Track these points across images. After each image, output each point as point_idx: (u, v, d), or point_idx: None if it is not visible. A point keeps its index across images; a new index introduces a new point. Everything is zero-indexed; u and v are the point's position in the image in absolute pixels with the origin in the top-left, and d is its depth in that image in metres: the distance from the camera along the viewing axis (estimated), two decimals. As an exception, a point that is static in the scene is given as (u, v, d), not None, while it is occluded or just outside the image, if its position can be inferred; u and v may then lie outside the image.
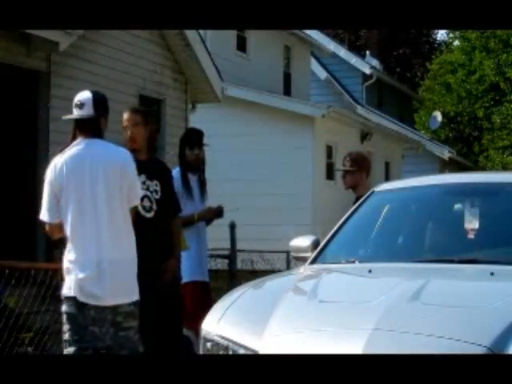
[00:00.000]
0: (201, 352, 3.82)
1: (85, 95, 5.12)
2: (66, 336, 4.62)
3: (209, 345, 3.74)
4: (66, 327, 4.63)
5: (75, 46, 10.14)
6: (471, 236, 4.72)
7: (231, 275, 11.49)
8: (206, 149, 6.98)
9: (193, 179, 6.75)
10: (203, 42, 13.24)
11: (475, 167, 27.26)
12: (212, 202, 7.02)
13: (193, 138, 6.84)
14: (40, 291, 8.22)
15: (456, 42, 31.21)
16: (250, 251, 15.03)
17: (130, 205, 4.91)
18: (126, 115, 5.95)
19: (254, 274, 10.73)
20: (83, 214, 4.77)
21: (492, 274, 4.04)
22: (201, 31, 13.34)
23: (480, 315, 3.47)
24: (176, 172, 6.64)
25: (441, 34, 56.35)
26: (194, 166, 6.76)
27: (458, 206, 5.06)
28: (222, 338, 3.67)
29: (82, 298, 4.60)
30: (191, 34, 12.61)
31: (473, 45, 28.54)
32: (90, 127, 5.01)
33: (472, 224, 4.72)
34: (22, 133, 10.07)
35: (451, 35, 32.11)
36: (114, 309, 4.65)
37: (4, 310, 7.33)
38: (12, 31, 8.94)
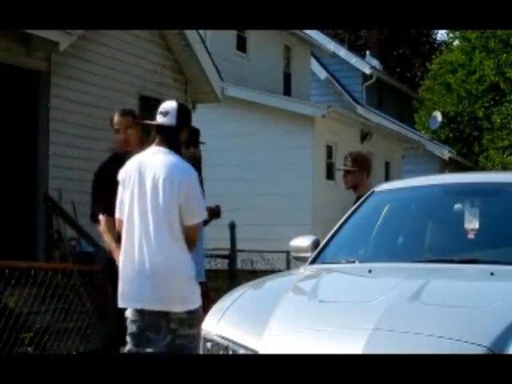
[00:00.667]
0: (201, 352, 3.82)
1: (171, 105, 5.11)
2: (127, 338, 4.98)
3: (209, 345, 3.74)
4: (127, 331, 4.99)
5: (75, 46, 10.14)
6: (471, 236, 4.72)
7: (231, 275, 11.50)
8: (203, 148, 6.94)
9: None
10: (203, 42, 13.24)
11: (475, 167, 27.26)
12: (212, 201, 7.01)
13: (189, 137, 6.81)
14: (40, 291, 8.23)
15: (456, 42, 31.20)
16: (250, 251, 15.03)
17: (187, 223, 4.94)
18: (116, 118, 5.96)
19: (254, 274, 10.72)
20: (133, 222, 4.94)
21: (492, 274, 4.04)
22: (201, 31, 13.35)
23: (480, 315, 3.47)
24: None
25: (441, 34, 56.36)
26: (191, 164, 6.75)
27: (457, 206, 5.06)
28: (222, 338, 3.67)
29: (122, 304, 4.97)
30: (191, 34, 12.61)
31: (473, 45, 28.54)
32: (170, 136, 5.05)
33: (472, 224, 4.72)
34: (21, 133, 10.07)
35: (451, 35, 32.11)
36: (166, 315, 4.87)
37: (4, 310, 7.34)
38: (12, 31, 8.95)
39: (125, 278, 4.93)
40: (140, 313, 4.90)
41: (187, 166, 5.06)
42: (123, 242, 4.98)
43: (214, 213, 6.74)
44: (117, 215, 5.08)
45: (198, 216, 5.04)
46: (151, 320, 4.87)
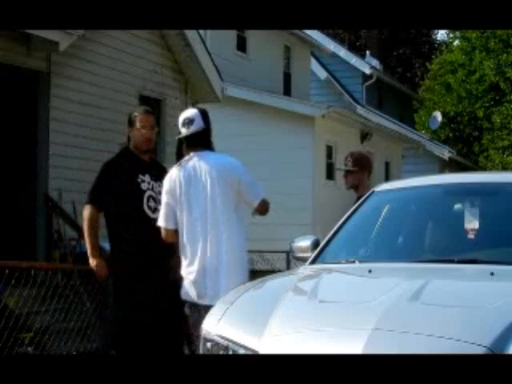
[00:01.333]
0: (201, 352, 3.82)
1: (192, 112, 5.43)
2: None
3: (209, 345, 3.74)
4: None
5: (75, 46, 10.14)
6: (471, 236, 4.72)
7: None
8: None
9: None
10: (203, 42, 13.24)
11: (475, 167, 27.26)
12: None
13: None
14: (40, 291, 8.23)
15: (456, 42, 31.20)
16: (250, 251, 15.00)
17: (253, 205, 5.39)
18: (142, 116, 5.92)
19: (254, 274, 10.71)
20: (197, 224, 5.24)
21: (492, 274, 4.04)
22: (201, 31, 13.35)
23: (480, 315, 3.47)
24: None
25: (441, 34, 56.37)
26: None
27: (458, 206, 5.06)
28: (222, 338, 3.67)
29: (184, 297, 5.28)
30: (191, 34, 12.61)
31: (473, 45, 28.53)
32: (201, 140, 5.36)
33: (472, 224, 4.72)
34: (21, 133, 10.07)
35: (451, 35, 32.10)
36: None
37: (4, 310, 7.33)
38: (12, 31, 8.95)
39: (195, 277, 5.23)
40: (196, 307, 5.20)
41: (231, 157, 5.45)
42: (185, 245, 5.27)
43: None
44: (168, 226, 5.33)
45: (261, 192, 5.45)
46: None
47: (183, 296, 5.32)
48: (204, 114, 5.44)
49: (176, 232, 5.33)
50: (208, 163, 5.28)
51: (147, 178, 5.79)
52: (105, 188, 5.72)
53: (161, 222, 5.36)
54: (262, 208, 5.48)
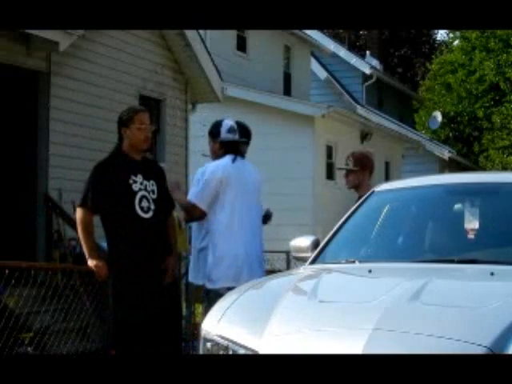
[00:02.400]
0: (201, 352, 3.82)
1: (232, 122, 6.26)
2: None
3: (209, 345, 3.74)
4: None
5: (75, 46, 10.14)
6: (471, 236, 4.72)
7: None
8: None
9: None
10: (203, 42, 13.24)
11: (475, 167, 27.25)
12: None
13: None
14: (40, 291, 8.22)
15: (456, 42, 31.19)
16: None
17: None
18: (140, 115, 5.88)
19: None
20: (234, 215, 5.96)
21: (492, 273, 4.04)
22: (201, 31, 13.34)
23: (480, 315, 3.46)
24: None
25: (441, 34, 56.37)
26: None
27: (458, 206, 5.06)
28: (222, 338, 3.67)
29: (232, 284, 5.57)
30: (191, 34, 12.61)
31: (473, 45, 28.53)
32: (239, 149, 6.24)
33: (472, 224, 4.72)
34: (22, 133, 10.07)
35: (451, 35, 32.09)
36: None
37: (4, 310, 7.33)
38: (12, 31, 8.95)
39: (232, 263, 5.88)
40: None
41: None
42: (225, 232, 5.93)
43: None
44: (202, 206, 5.96)
45: None
46: None
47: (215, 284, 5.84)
48: (245, 131, 6.43)
49: (204, 213, 5.96)
50: (251, 168, 6.26)
51: (139, 178, 5.76)
52: (97, 190, 5.69)
53: (196, 198, 5.98)
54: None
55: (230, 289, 5.24)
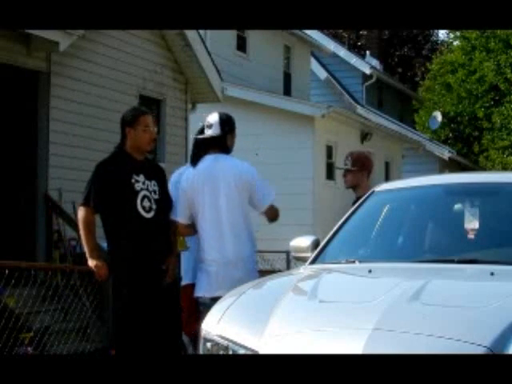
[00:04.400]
0: (201, 352, 3.82)
1: (213, 117, 5.85)
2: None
3: (209, 345, 3.74)
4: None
5: (75, 46, 10.14)
6: (471, 236, 4.72)
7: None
8: None
9: None
10: (203, 42, 13.24)
11: (475, 167, 27.25)
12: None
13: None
14: (40, 291, 8.23)
15: (456, 42, 31.18)
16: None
17: (261, 209, 5.80)
18: (145, 117, 5.89)
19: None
20: (209, 220, 5.66)
21: (492, 274, 4.04)
22: (201, 31, 13.34)
23: (480, 315, 3.46)
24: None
25: (441, 34, 56.39)
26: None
27: (458, 206, 5.06)
28: (222, 338, 3.67)
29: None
30: (191, 34, 12.61)
31: (473, 45, 28.52)
32: (216, 144, 5.78)
33: (472, 224, 4.72)
34: (21, 133, 10.07)
35: (451, 35, 32.09)
36: None
37: (4, 310, 7.33)
38: (12, 31, 8.95)
39: (212, 271, 5.64)
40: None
41: (245, 163, 5.83)
42: (206, 239, 5.67)
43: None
44: (183, 221, 5.77)
45: (268, 196, 5.80)
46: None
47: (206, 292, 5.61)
48: (223, 120, 5.83)
49: (188, 226, 5.77)
50: (223, 165, 5.71)
51: (141, 177, 5.77)
52: (99, 189, 5.69)
53: (175, 217, 5.79)
54: (270, 213, 5.85)
55: (213, 299, 4.99)
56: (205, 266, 5.69)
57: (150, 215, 5.73)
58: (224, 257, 5.64)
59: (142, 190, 5.74)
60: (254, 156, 16.90)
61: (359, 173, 6.68)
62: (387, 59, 36.52)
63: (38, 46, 9.62)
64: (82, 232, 5.74)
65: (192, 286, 6.51)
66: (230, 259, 5.64)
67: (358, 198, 6.08)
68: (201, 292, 5.66)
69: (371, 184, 6.54)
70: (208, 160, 5.75)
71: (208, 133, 5.80)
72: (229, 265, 5.64)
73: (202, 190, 5.68)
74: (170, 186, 6.07)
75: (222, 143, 5.81)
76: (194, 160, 5.82)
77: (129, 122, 5.85)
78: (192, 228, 5.79)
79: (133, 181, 5.73)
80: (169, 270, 5.87)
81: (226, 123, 5.85)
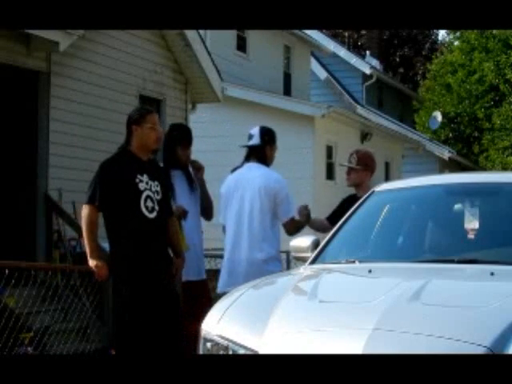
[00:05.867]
0: (201, 352, 3.82)
1: (254, 129, 6.46)
2: None
3: (209, 345, 3.74)
4: None
5: (75, 46, 10.14)
6: (471, 236, 4.72)
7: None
8: (204, 148, 6.94)
9: (180, 177, 6.67)
10: (203, 42, 13.23)
11: (475, 167, 27.26)
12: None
13: (188, 138, 6.77)
14: (40, 291, 8.23)
15: (456, 43, 31.18)
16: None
17: (282, 220, 6.26)
18: (152, 116, 5.89)
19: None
20: (233, 223, 6.19)
21: (492, 274, 4.04)
22: (201, 31, 13.34)
23: (480, 315, 3.46)
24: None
25: (441, 34, 56.38)
26: (184, 165, 6.72)
27: (458, 206, 5.06)
28: (222, 337, 3.67)
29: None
30: (191, 34, 12.61)
31: (472, 45, 28.53)
32: (256, 154, 6.35)
33: (472, 224, 4.72)
34: (21, 133, 10.07)
35: (451, 35, 32.09)
36: None
37: (4, 310, 7.33)
38: (12, 31, 8.94)
39: (228, 269, 6.16)
40: None
41: (275, 174, 6.30)
42: (228, 240, 6.23)
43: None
44: (221, 221, 6.37)
45: (291, 211, 6.32)
46: None
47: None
48: (263, 132, 6.41)
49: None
50: (254, 174, 6.21)
51: (145, 177, 5.77)
52: (103, 188, 5.69)
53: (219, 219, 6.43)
54: (289, 226, 6.27)
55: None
56: (224, 264, 6.22)
57: (152, 215, 5.73)
58: (239, 258, 6.10)
59: (145, 190, 5.74)
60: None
61: (363, 172, 6.68)
62: (388, 59, 36.52)
63: (38, 46, 9.61)
64: (84, 231, 5.74)
65: (192, 283, 6.54)
66: (243, 261, 6.07)
67: (359, 198, 6.08)
68: (218, 289, 6.16)
69: (371, 184, 6.54)
70: (244, 168, 6.31)
71: (249, 143, 6.36)
72: (240, 266, 6.07)
73: (232, 195, 6.21)
74: None
75: (260, 153, 6.32)
76: (236, 168, 6.40)
77: (136, 120, 5.83)
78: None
79: (137, 180, 5.73)
80: (177, 273, 5.91)
81: (266, 134, 6.40)
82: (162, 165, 6.56)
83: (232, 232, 6.21)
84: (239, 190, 6.20)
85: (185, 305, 6.31)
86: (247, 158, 6.39)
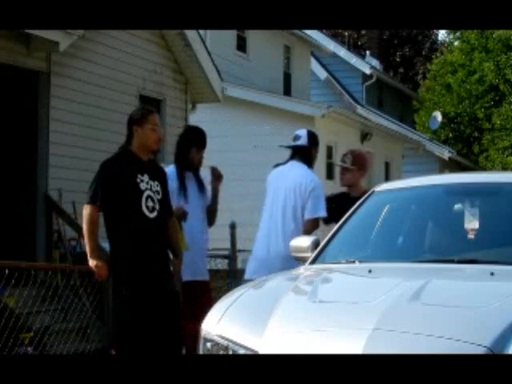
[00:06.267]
0: (201, 352, 3.82)
1: (301, 131, 6.77)
2: None
3: (209, 345, 3.74)
4: None
5: (75, 46, 10.14)
6: (471, 236, 4.72)
7: (231, 275, 11.48)
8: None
9: (191, 179, 6.71)
10: (203, 42, 13.23)
11: (475, 167, 27.26)
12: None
13: (202, 140, 6.78)
14: (40, 291, 8.23)
15: (456, 43, 31.18)
16: (250, 251, 14.97)
17: (306, 218, 6.37)
18: (153, 116, 5.88)
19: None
20: (265, 216, 6.50)
21: (492, 274, 4.04)
22: (201, 31, 13.34)
23: (480, 315, 3.46)
24: (171, 170, 6.61)
25: (441, 34, 56.39)
26: (196, 167, 6.73)
27: (458, 206, 5.06)
28: (222, 337, 3.67)
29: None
30: (191, 34, 12.61)
31: (472, 46, 28.52)
32: (300, 154, 6.61)
33: (472, 224, 4.72)
34: (21, 133, 10.07)
35: (451, 36, 32.09)
36: None
37: (4, 310, 7.33)
38: (12, 31, 8.94)
39: (256, 260, 6.47)
40: None
41: (312, 174, 6.52)
42: (259, 232, 6.55)
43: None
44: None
45: (315, 211, 6.40)
46: None
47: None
48: (311, 135, 6.68)
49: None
50: (293, 172, 6.47)
51: (146, 177, 5.77)
52: (104, 188, 5.69)
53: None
54: (307, 226, 6.35)
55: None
56: (254, 253, 6.52)
57: (153, 215, 5.73)
58: (267, 251, 6.34)
59: (146, 189, 5.75)
60: (254, 155, 16.92)
61: (357, 172, 6.68)
62: (388, 59, 36.52)
63: (38, 46, 9.61)
64: (85, 230, 5.74)
65: (192, 283, 6.54)
66: (272, 253, 6.30)
67: (353, 198, 6.07)
68: (246, 275, 6.40)
69: (371, 184, 6.54)
70: (287, 166, 6.59)
71: (297, 143, 6.61)
72: (268, 259, 6.28)
73: (270, 190, 6.53)
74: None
75: (306, 153, 6.59)
76: (278, 164, 6.68)
77: (137, 120, 5.82)
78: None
79: (138, 180, 5.73)
80: (175, 274, 5.91)
81: (313, 137, 6.69)
82: (172, 165, 6.70)
83: (265, 224, 6.48)
84: (278, 183, 6.47)
85: (187, 304, 6.32)
86: (292, 157, 6.63)
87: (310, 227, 6.37)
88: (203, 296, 6.58)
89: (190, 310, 6.25)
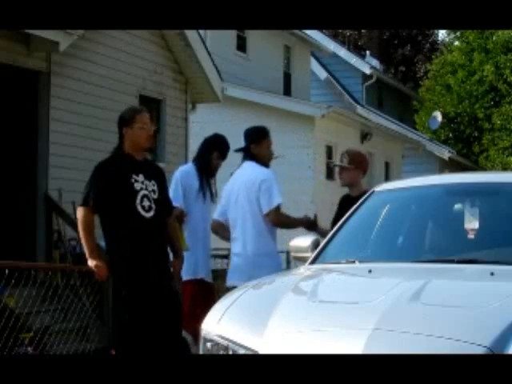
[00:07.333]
0: (201, 352, 3.82)
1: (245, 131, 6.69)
2: None
3: (209, 345, 3.74)
4: None
5: (75, 46, 10.14)
6: (471, 236, 4.72)
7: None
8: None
9: (205, 183, 6.84)
10: (203, 42, 13.23)
11: (475, 167, 27.26)
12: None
13: (225, 150, 6.89)
14: (40, 291, 8.22)
15: (456, 43, 31.18)
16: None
17: (264, 212, 6.28)
18: (141, 115, 5.90)
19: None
20: (232, 220, 6.40)
21: (492, 274, 4.04)
22: (201, 31, 13.34)
23: (480, 315, 3.46)
24: (189, 169, 6.83)
25: (441, 34, 56.40)
26: (212, 171, 6.87)
27: (458, 206, 5.06)
28: (222, 338, 3.67)
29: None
30: (191, 34, 12.61)
31: (472, 46, 28.52)
32: (246, 155, 6.56)
33: (472, 224, 4.72)
34: (21, 133, 10.07)
35: (451, 36, 32.09)
36: None
37: (4, 310, 7.33)
38: (12, 31, 8.94)
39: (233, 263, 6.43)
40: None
41: (263, 170, 6.40)
42: (232, 235, 6.44)
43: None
44: (218, 218, 6.58)
45: (274, 202, 6.30)
46: None
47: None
48: (248, 135, 6.59)
49: (219, 223, 6.55)
50: (244, 172, 6.42)
51: (141, 177, 5.77)
52: (98, 189, 5.69)
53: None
54: (272, 218, 6.28)
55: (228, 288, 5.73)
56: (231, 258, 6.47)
57: (149, 215, 5.73)
58: (237, 253, 6.33)
59: (141, 189, 5.74)
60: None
61: (355, 171, 6.68)
62: (389, 58, 36.53)
63: (38, 46, 9.61)
64: (81, 232, 5.75)
65: (192, 283, 6.55)
66: (240, 255, 6.29)
67: (354, 198, 6.09)
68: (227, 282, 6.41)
69: (371, 184, 6.55)
70: (239, 170, 6.53)
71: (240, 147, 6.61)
72: (237, 260, 6.30)
73: (229, 195, 6.44)
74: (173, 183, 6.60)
75: (248, 154, 6.51)
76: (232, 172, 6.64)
77: (125, 121, 5.86)
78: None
79: (132, 180, 5.73)
80: (175, 274, 5.91)
81: (250, 136, 6.58)
82: (189, 164, 7.05)
83: (231, 228, 6.43)
84: (233, 188, 6.41)
85: (190, 303, 6.36)
86: (242, 160, 6.60)
87: (275, 218, 6.31)
88: (206, 296, 6.59)
89: (191, 309, 6.28)
